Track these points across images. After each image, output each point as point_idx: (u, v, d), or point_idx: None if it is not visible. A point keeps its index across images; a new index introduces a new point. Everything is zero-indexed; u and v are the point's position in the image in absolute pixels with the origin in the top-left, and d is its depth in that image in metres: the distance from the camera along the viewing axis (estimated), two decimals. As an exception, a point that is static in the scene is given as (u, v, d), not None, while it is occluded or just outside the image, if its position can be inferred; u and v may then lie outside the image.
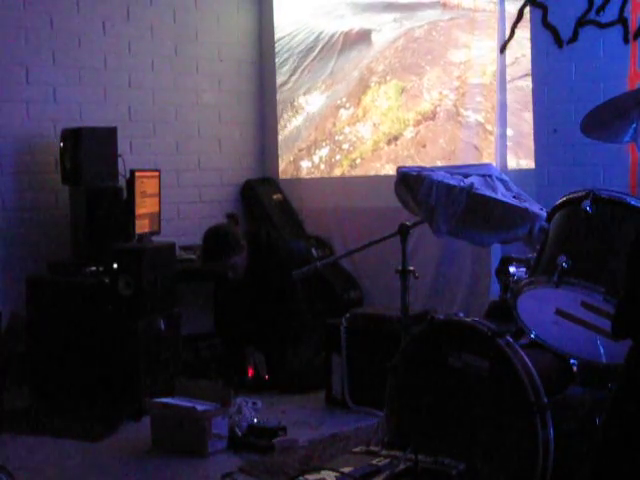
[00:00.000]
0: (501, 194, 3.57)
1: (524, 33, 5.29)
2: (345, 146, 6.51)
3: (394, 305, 4.06)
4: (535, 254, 3.10)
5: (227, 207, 6.28)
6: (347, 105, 6.47)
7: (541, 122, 5.16)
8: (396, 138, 6.21)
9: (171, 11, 6.17)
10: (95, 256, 4.95)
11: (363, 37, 6.38)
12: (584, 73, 4.94)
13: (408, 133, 6.11)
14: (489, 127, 5.63)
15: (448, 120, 5.86)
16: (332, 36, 6.53)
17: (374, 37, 6.33)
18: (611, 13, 4.81)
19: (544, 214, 3.28)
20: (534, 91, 5.20)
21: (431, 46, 6.04)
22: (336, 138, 6.53)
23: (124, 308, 4.57)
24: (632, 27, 4.74)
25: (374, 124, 6.35)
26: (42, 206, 5.50)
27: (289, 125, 6.80)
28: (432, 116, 5.98)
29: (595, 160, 4.78)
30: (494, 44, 5.45)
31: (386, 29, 6.25)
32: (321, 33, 6.58)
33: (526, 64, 5.32)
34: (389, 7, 6.24)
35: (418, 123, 6.07)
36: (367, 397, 4.50)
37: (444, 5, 5.88)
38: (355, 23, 6.41)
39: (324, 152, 6.61)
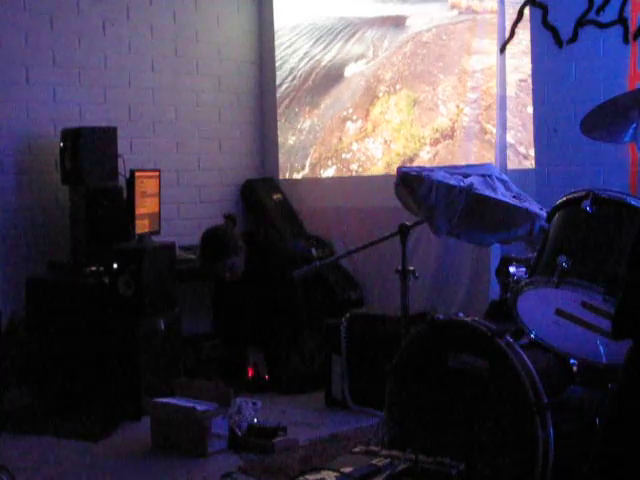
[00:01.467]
0: (501, 194, 3.58)
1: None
2: (353, 166, 6.18)
3: (394, 305, 4.06)
4: (535, 254, 3.10)
5: (227, 207, 6.28)
6: (354, 117, 6.11)
7: (541, 122, 5.15)
8: (411, 159, 5.75)
9: (171, 11, 6.17)
10: (95, 256, 4.95)
11: (371, 38, 6.07)
12: (584, 73, 4.93)
13: (425, 154, 5.69)
14: (522, 149, 5.28)
15: (471, 139, 5.46)
16: (335, 37, 6.31)
17: (382, 39, 5.99)
18: (611, 13, 4.80)
19: (544, 214, 3.28)
20: (534, 91, 5.19)
21: (442, 52, 5.64)
22: (343, 156, 6.25)
23: (124, 308, 4.57)
24: (632, 27, 4.74)
25: (385, 141, 5.96)
26: (42, 206, 5.50)
27: (290, 138, 6.55)
28: (451, 134, 5.53)
29: (595, 160, 4.78)
30: (514, 49, 5.22)
31: (391, 34, 5.93)
32: (324, 31, 6.35)
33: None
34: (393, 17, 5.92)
35: (436, 142, 5.62)
36: (367, 397, 4.50)
37: (452, 6, 5.59)
38: (359, 26, 6.12)
39: (330, 173, 6.35)
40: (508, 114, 5.35)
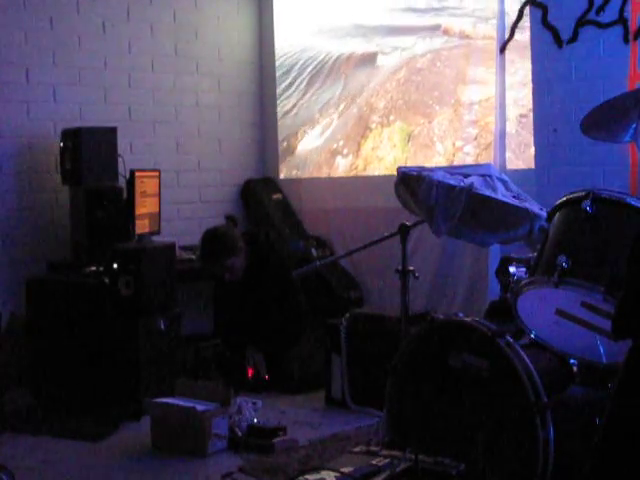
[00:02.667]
0: (501, 194, 3.58)
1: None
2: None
3: (394, 305, 4.07)
4: (535, 254, 3.11)
5: (227, 207, 6.28)
6: (344, 151, 5.84)
7: (541, 122, 5.15)
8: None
9: (171, 11, 6.17)
10: (95, 256, 4.95)
11: (364, 62, 5.83)
12: (584, 73, 4.94)
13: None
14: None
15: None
16: (334, 58, 6.11)
17: (376, 63, 5.72)
18: (611, 13, 4.81)
19: (544, 214, 3.28)
20: (534, 91, 5.19)
21: (437, 80, 5.39)
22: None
23: (124, 308, 4.57)
24: (632, 27, 4.74)
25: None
26: (42, 206, 5.50)
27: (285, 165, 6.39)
28: None
29: (595, 160, 4.78)
30: (514, 79, 5.11)
31: (386, 56, 5.65)
32: (321, 53, 6.23)
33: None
34: (393, 31, 5.70)
35: None
36: (367, 397, 4.50)
37: (444, 32, 5.41)
38: (356, 46, 5.93)
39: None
40: (510, 154, 5.20)
